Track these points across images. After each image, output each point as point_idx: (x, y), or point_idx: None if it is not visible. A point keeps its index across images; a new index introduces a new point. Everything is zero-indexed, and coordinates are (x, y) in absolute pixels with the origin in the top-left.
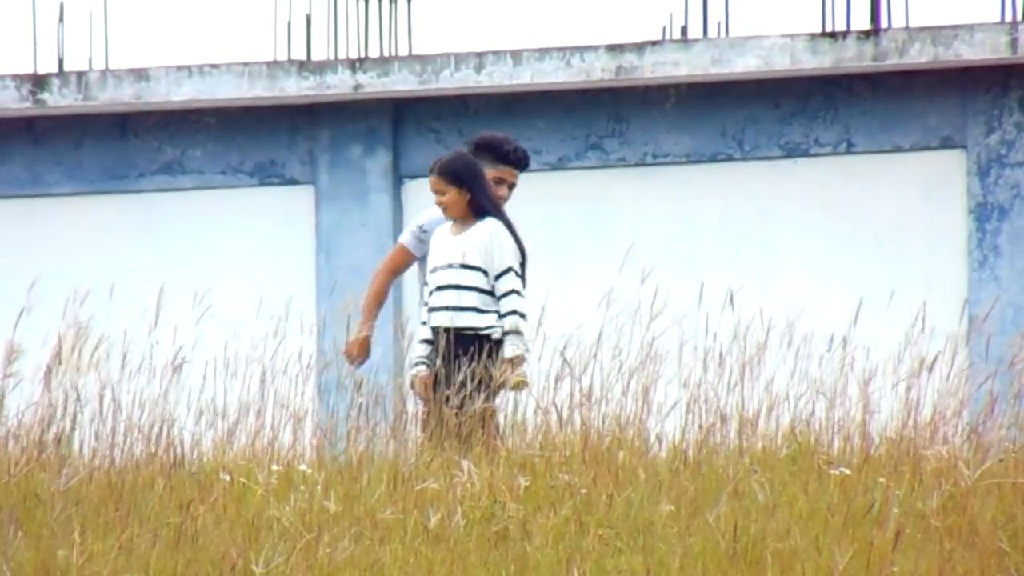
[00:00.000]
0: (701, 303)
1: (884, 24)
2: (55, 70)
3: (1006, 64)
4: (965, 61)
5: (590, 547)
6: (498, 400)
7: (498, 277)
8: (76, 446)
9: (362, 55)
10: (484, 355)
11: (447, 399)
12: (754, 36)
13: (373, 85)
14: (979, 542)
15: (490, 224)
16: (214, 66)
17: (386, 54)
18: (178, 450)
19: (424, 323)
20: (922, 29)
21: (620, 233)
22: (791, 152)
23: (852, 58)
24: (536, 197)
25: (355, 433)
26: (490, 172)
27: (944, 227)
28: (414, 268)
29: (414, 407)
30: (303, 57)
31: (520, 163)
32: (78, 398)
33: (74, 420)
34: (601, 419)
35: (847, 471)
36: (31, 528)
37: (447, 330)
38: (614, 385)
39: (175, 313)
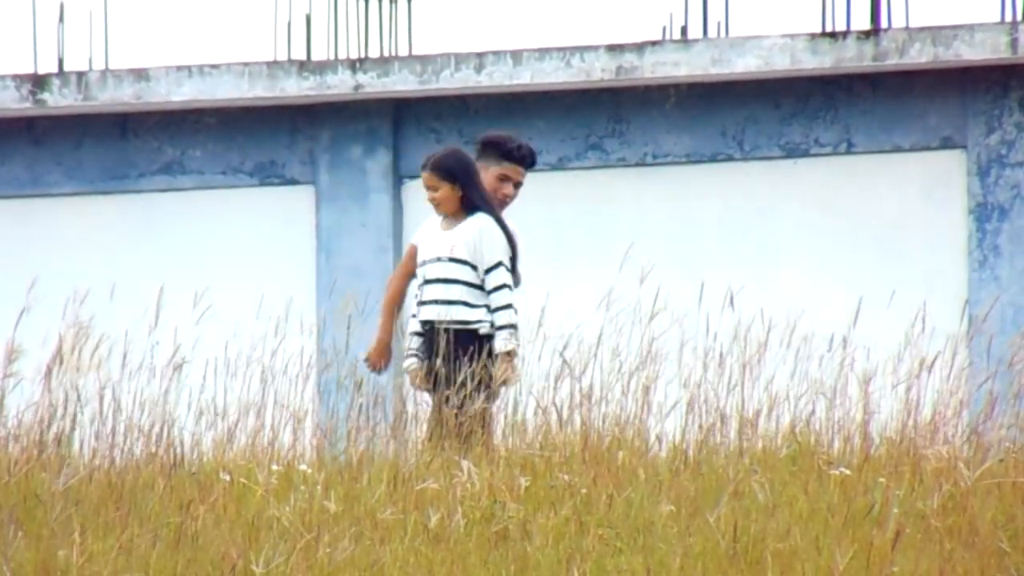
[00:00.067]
0: (701, 303)
1: (884, 24)
2: (55, 70)
3: (1006, 64)
4: (965, 61)
5: (590, 547)
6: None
7: (488, 272)
8: (76, 446)
9: (362, 55)
10: (479, 353)
11: (447, 399)
12: (754, 36)
13: (373, 85)
14: (979, 542)
15: (480, 219)
16: (214, 66)
17: (386, 54)
18: (178, 450)
19: (414, 316)
20: (922, 29)
21: (620, 233)
22: (791, 152)
23: (852, 58)
24: (536, 197)
25: (355, 433)
26: (496, 170)
27: (944, 227)
28: None
29: (414, 407)
30: (303, 57)
31: (525, 161)
32: (78, 398)
33: (74, 420)
34: (601, 419)
35: (847, 471)
36: (31, 528)
37: (443, 329)
38: (614, 385)
39: (175, 313)
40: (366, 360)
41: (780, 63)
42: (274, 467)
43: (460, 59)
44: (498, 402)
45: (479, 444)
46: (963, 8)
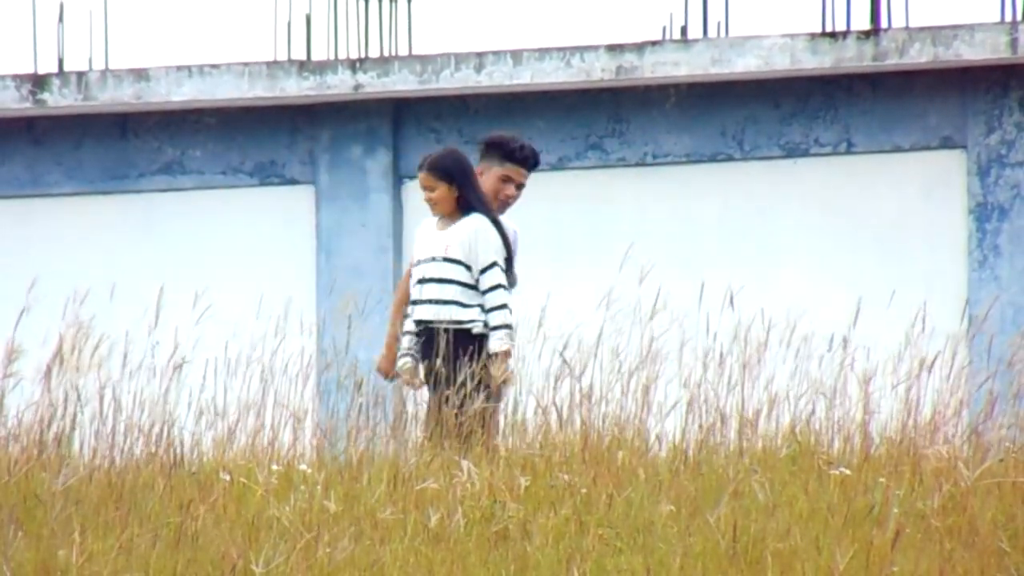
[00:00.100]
0: (701, 303)
1: (884, 24)
2: (55, 70)
3: (1006, 64)
4: (965, 61)
5: (590, 547)
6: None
7: (482, 272)
8: (76, 446)
9: (362, 55)
10: (476, 353)
11: (446, 399)
12: (754, 36)
13: (373, 85)
14: (979, 542)
15: (475, 220)
16: (214, 66)
17: (386, 54)
18: (178, 450)
19: (407, 316)
20: (922, 29)
21: (620, 233)
22: (791, 152)
23: (852, 58)
24: (536, 197)
25: (355, 433)
26: (498, 171)
27: (944, 227)
28: None
29: (414, 407)
30: (303, 57)
31: (528, 162)
32: (78, 398)
33: (74, 420)
34: (601, 419)
35: (847, 471)
36: (31, 528)
37: (437, 328)
38: (614, 385)
39: (175, 313)
40: (378, 371)
41: (780, 63)
42: (274, 467)
43: (460, 59)
44: (502, 403)
45: (479, 444)
46: (963, 8)
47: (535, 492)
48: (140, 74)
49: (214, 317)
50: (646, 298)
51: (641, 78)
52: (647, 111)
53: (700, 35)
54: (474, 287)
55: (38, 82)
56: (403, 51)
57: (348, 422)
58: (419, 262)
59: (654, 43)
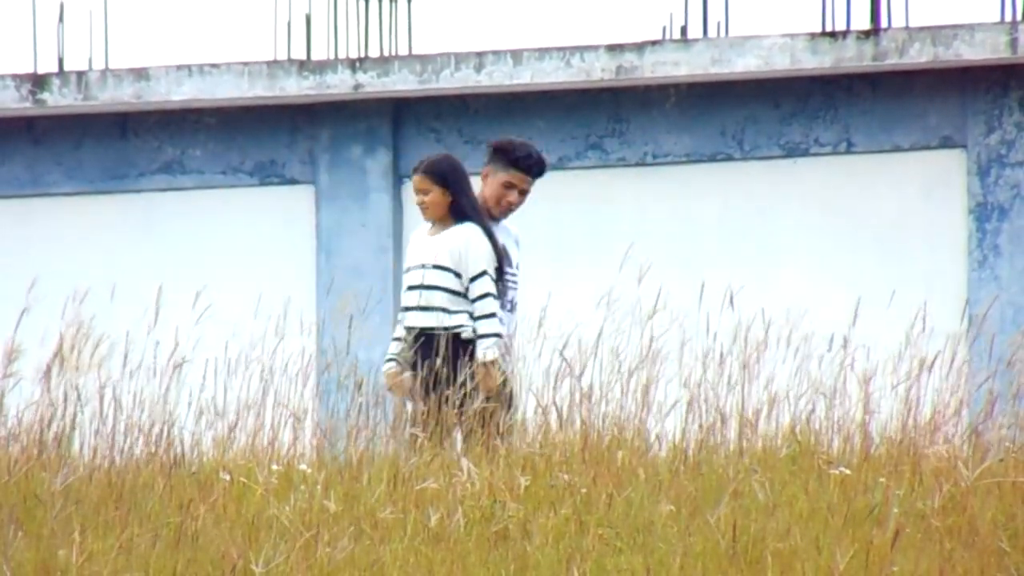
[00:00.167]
0: (701, 303)
1: (884, 24)
2: (55, 70)
3: (1006, 64)
4: (965, 61)
5: (590, 547)
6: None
7: (472, 280)
8: (76, 446)
9: (362, 55)
10: (464, 357)
11: (446, 399)
12: (754, 36)
13: (373, 85)
14: (979, 542)
15: (466, 228)
16: (214, 66)
17: (386, 54)
18: (178, 450)
19: (399, 322)
20: (922, 29)
21: (620, 233)
22: (791, 152)
23: (852, 58)
24: (536, 197)
25: (355, 433)
26: (502, 176)
27: (944, 227)
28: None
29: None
30: (303, 57)
31: (532, 170)
32: (78, 398)
33: (74, 420)
34: (601, 419)
35: (847, 471)
36: (31, 528)
37: (425, 334)
38: (614, 385)
39: (175, 313)
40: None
41: (780, 63)
42: (274, 467)
43: (460, 59)
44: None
45: (479, 444)
46: (963, 8)
47: (535, 492)
48: (140, 74)
49: (214, 317)
50: (646, 298)
51: (641, 78)
52: (647, 111)
53: (700, 35)
54: (462, 294)
55: (38, 82)
56: (403, 51)
57: (348, 422)
58: (409, 269)
59: (654, 43)
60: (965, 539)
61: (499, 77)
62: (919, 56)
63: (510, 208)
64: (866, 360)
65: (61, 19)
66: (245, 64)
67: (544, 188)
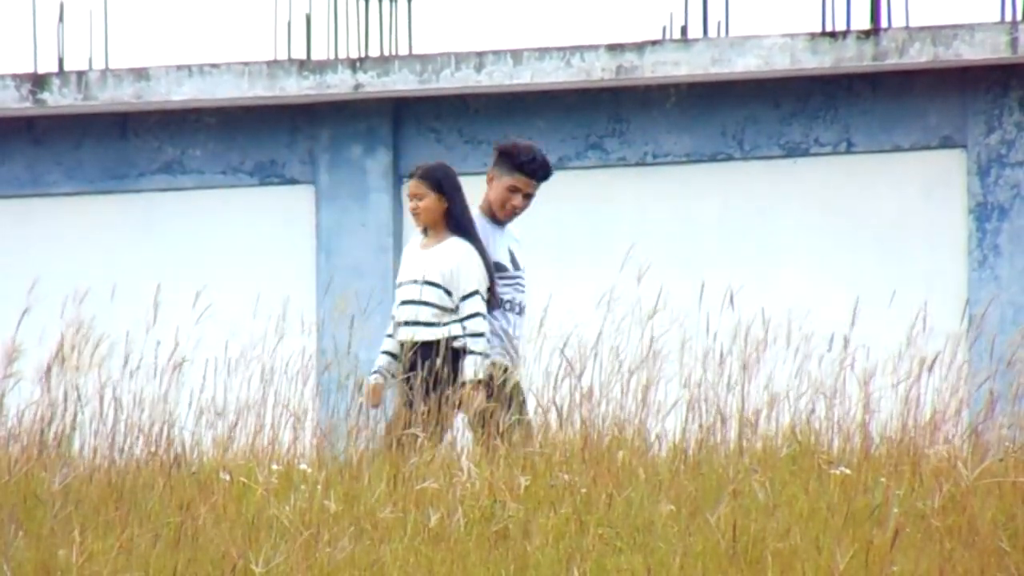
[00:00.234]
0: (701, 303)
1: (884, 24)
2: (55, 70)
3: (1006, 64)
4: (965, 61)
5: (590, 547)
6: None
7: (463, 299)
8: (76, 446)
9: (362, 55)
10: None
11: (446, 398)
12: (754, 36)
13: (373, 85)
14: (979, 542)
15: (460, 246)
16: (214, 66)
17: (386, 54)
18: (178, 450)
19: (390, 335)
20: (922, 29)
21: (620, 233)
22: (791, 152)
23: (852, 58)
24: (537, 197)
25: (355, 433)
26: (507, 180)
27: (944, 227)
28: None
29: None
30: (303, 57)
31: (537, 174)
32: (78, 398)
33: (74, 420)
34: (601, 419)
35: (847, 471)
36: (31, 528)
37: (412, 349)
38: (614, 385)
39: (175, 313)
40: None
41: (780, 63)
42: (274, 467)
43: (460, 59)
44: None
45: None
46: (963, 8)
47: (535, 492)
48: (140, 74)
49: (214, 317)
50: (646, 298)
51: (641, 78)
52: (647, 111)
53: (700, 35)
54: (449, 309)
55: (38, 82)
56: (403, 51)
57: (348, 422)
58: (402, 284)
59: (654, 43)
60: (965, 539)
61: (499, 77)
62: (919, 56)
63: (515, 212)
64: (866, 360)
65: (61, 19)
66: (245, 64)
67: (544, 188)
